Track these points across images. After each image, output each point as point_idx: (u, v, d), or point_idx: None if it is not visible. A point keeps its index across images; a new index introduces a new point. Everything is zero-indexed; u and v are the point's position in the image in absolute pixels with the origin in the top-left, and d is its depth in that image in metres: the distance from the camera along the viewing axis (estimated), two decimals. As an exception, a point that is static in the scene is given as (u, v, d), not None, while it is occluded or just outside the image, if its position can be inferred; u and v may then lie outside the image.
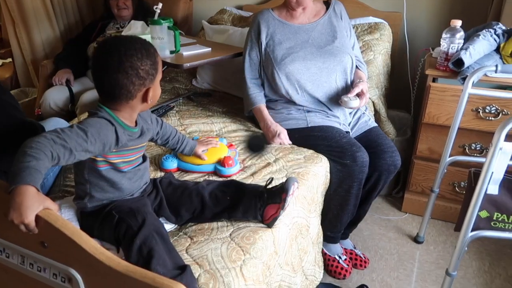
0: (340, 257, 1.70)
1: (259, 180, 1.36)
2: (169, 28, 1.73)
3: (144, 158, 1.17)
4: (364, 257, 1.77)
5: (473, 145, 1.85)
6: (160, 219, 1.14)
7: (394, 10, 2.35)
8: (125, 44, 0.99)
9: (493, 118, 1.73)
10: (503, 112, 1.70)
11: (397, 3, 2.31)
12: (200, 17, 2.88)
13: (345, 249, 1.76)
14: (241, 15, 2.55)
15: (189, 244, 1.10)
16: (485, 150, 1.84)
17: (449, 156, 1.73)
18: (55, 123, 1.66)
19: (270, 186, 1.19)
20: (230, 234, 1.13)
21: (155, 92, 1.06)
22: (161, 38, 1.71)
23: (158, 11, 1.80)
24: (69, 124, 1.26)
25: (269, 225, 1.16)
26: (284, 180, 1.31)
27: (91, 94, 2.30)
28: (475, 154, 1.85)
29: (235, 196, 1.17)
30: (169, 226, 1.17)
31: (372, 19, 2.24)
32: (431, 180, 2.00)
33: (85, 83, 2.54)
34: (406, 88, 2.34)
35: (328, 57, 1.66)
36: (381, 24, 2.21)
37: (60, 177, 1.48)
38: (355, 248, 1.80)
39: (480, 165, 1.83)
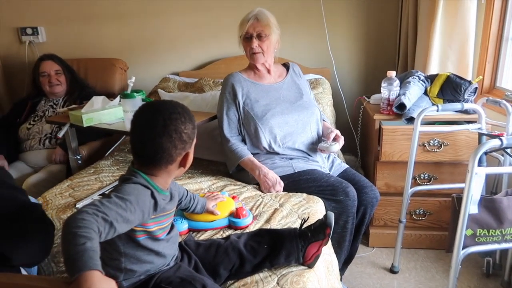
0: (343, 298, 1.73)
1: (276, 226, 1.37)
2: (143, 100, 1.73)
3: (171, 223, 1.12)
4: (360, 295, 1.83)
5: (422, 175, 2.12)
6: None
7: (323, 66, 2.67)
8: (169, 108, 0.99)
9: (437, 150, 2.02)
10: (444, 143, 2.01)
11: (326, 60, 2.64)
12: (136, 88, 2.86)
13: (342, 290, 1.80)
14: (185, 81, 2.62)
15: (242, 302, 1.05)
16: (432, 178, 2.11)
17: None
18: None
19: (305, 225, 1.21)
20: (278, 283, 1.11)
21: (191, 157, 1.05)
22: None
23: (131, 84, 1.81)
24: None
25: (311, 265, 1.17)
26: (298, 222, 1.35)
27: (36, 178, 2.08)
28: (425, 183, 2.11)
29: (272, 243, 1.16)
30: (211, 288, 1.10)
31: (312, 76, 2.52)
32: (391, 213, 2.20)
33: (21, 168, 2.28)
34: (348, 133, 2.59)
35: (301, 110, 1.82)
36: (321, 79, 2.49)
37: (48, 264, 1.28)
38: (349, 288, 1.85)
39: (436, 192, 2.07)
